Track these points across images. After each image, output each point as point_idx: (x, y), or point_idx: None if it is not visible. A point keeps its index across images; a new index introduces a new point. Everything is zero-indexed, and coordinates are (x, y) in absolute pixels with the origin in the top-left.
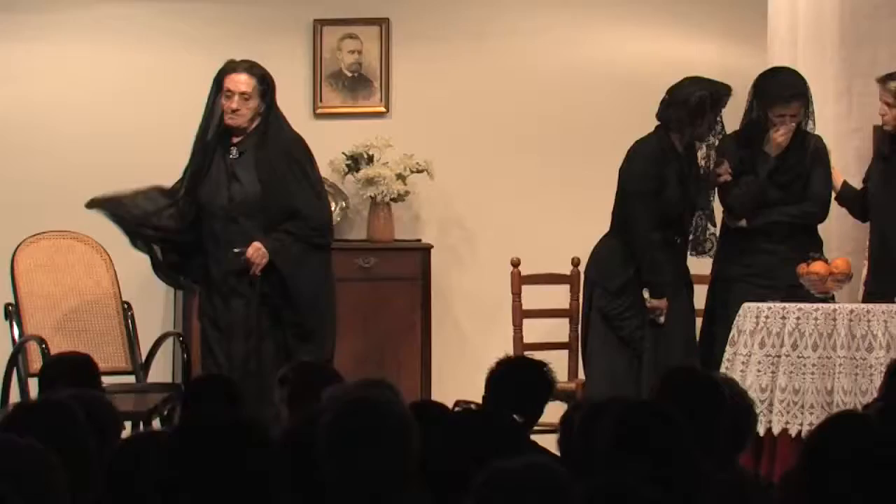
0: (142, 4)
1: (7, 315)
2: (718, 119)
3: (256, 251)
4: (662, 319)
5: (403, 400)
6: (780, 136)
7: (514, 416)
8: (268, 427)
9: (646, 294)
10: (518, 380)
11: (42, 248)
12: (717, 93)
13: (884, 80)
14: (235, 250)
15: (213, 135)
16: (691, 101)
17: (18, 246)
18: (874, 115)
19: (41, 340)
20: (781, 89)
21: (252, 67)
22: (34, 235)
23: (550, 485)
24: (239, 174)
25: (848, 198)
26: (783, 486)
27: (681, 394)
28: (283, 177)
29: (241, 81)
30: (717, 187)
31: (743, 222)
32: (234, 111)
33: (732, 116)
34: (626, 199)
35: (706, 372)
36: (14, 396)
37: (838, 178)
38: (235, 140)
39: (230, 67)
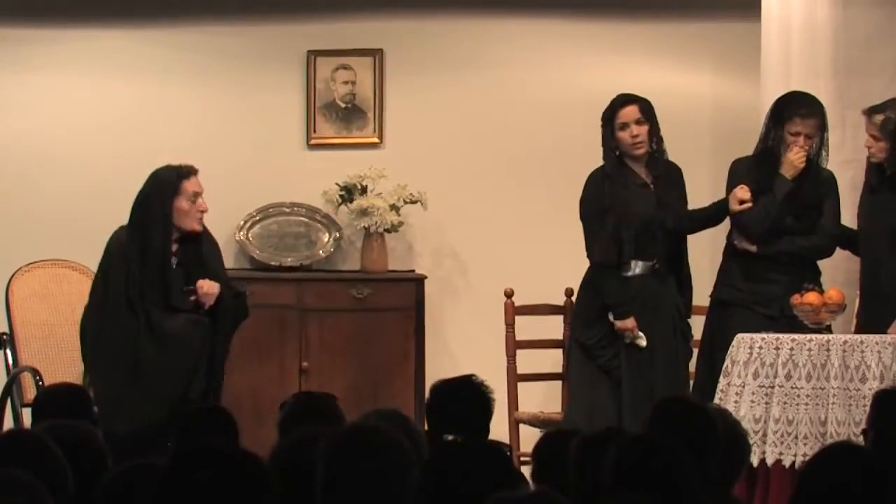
0: (136, 35)
1: (1, 344)
2: (615, 131)
3: (208, 284)
4: (641, 342)
5: (418, 428)
6: (794, 155)
7: (451, 436)
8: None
9: (611, 317)
10: (456, 397)
11: (37, 277)
12: (610, 107)
13: (868, 113)
14: (184, 289)
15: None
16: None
17: (13, 275)
18: None
19: (35, 372)
20: (799, 105)
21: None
22: (29, 264)
23: None
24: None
25: (846, 238)
26: None
27: (673, 424)
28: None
29: (199, 183)
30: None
31: (753, 248)
32: (203, 212)
33: (729, 145)
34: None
35: (698, 402)
36: (8, 425)
37: None
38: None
39: (186, 173)
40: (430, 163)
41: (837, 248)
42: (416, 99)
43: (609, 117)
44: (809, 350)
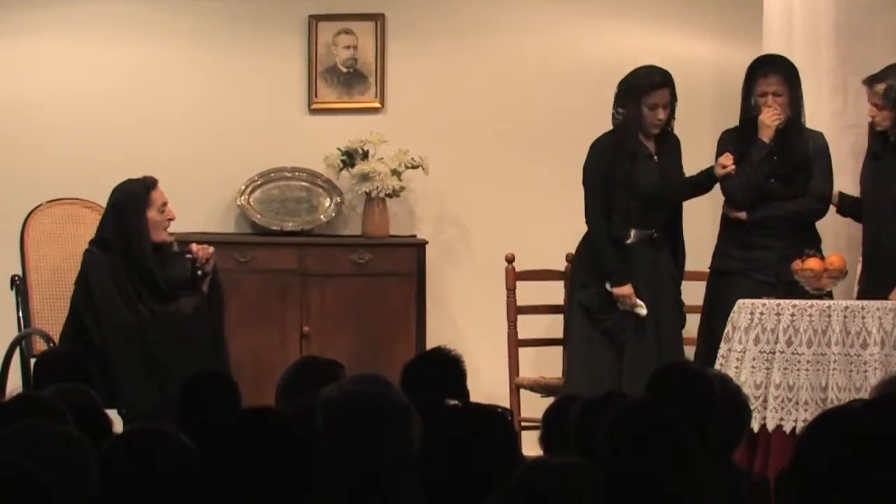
0: (136, 0)
1: (14, 287)
2: (642, 108)
3: (201, 247)
4: (641, 311)
5: (400, 393)
6: (765, 116)
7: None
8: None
9: (608, 286)
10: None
11: (52, 216)
12: (632, 79)
13: (869, 82)
14: (181, 252)
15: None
16: (618, 88)
17: (31, 213)
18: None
19: (47, 338)
20: (759, 65)
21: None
22: (49, 202)
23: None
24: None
25: (849, 207)
26: (777, 485)
27: (672, 390)
28: None
29: (163, 193)
30: (720, 179)
31: (742, 215)
32: (171, 220)
33: (731, 112)
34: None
35: (698, 367)
36: (14, 378)
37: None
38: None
39: (152, 183)
40: (431, 128)
41: (840, 216)
42: (418, 64)
43: (639, 94)
44: (810, 316)
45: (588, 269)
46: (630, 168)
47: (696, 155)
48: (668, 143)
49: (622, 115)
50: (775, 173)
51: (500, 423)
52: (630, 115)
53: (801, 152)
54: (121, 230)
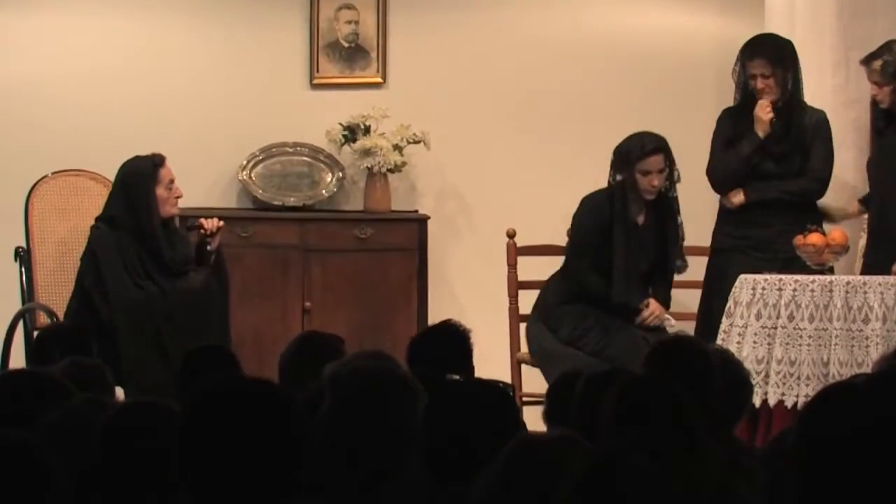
0: None
1: (18, 258)
2: (631, 174)
3: (209, 220)
4: (671, 321)
5: (404, 369)
6: (759, 110)
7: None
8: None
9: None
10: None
11: (58, 188)
12: (625, 145)
13: (866, 61)
14: (188, 226)
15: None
16: (613, 155)
17: (35, 185)
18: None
19: (51, 313)
20: (745, 49)
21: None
22: (55, 173)
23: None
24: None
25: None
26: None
27: (672, 365)
28: None
29: (171, 170)
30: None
31: (740, 198)
32: (179, 198)
33: (733, 87)
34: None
35: (697, 342)
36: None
37: (854, 207)
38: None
39: (160, 161)
40: (433, 103)
41: (842, 185)
42: (420, 39)
43: (633, 160)
44: (812, 291)
45: (556, 314)
46: (629, 230)
47: (698, 130)
48: (664, 212)
49: (617, 183)
50: (769, 153)
51: (503, 398)
52: (624, 181)
53: (799, 130)
54: (130, 207)
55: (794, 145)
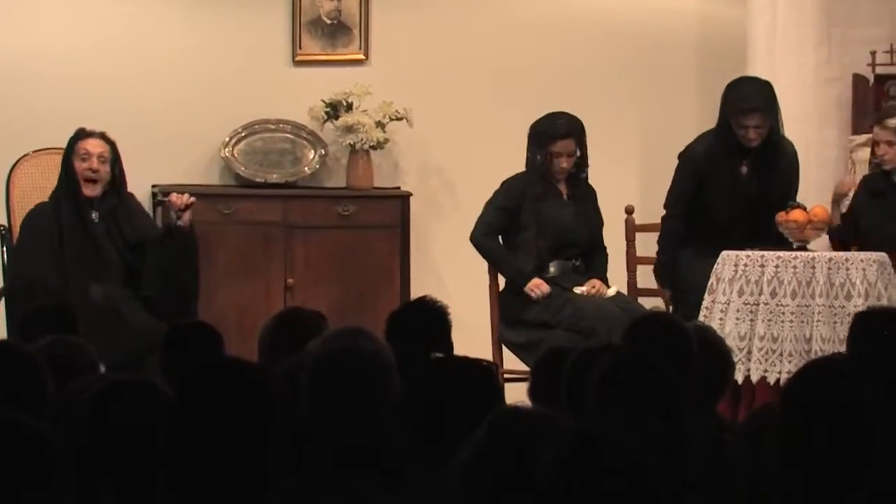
0: None
1: None
2: (543, 154)
3: (180, 195)
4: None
5: (384, 346)
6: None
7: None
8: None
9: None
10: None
11: (39, 166)
12: (538, 126)
13: (880, 120)
14: (162, 201)
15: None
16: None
17: (16, 163)
18: (853, 63)
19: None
20: (736, 101)
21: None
22: (35, 151)
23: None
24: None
25: (843, 232)
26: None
27: (649, 341)
28: None
29: (98, 143)
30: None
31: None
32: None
33: (715, 63)
34: None
35: (674, 318)
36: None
37: (848, 187)
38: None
39: (81, 134)
40: (415, 80)
41: (824, 162)
42: (402, 15)
43: (545, 141)
44: (794, 267)
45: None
46: (537, 207)
47: (680, 107)
48: (582, 190)
49: (531, 160)
50: (755, 180)
51: (485, 376)
52: (537, 159)
53: (783, 165)
54: (58, 181)
55: (778, 181)
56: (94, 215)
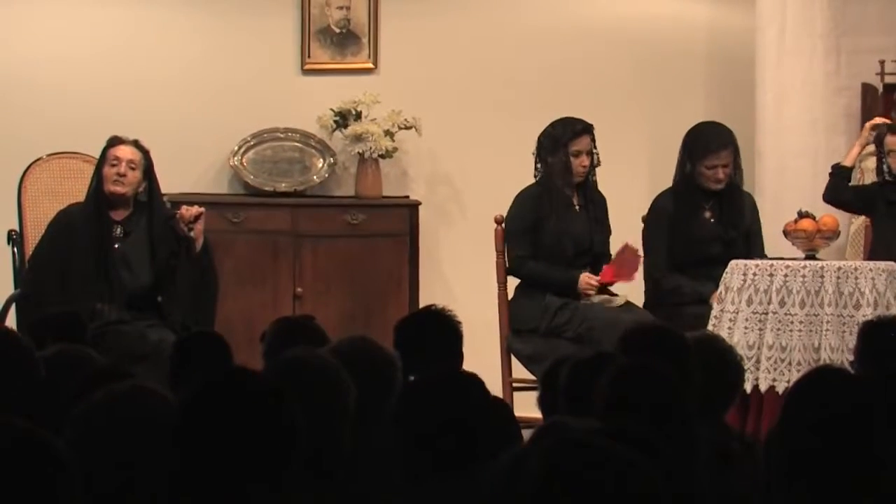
0: None
1: (11, 242)
2: (565, 155)
3: (189, 208)
4: (618, 301)
5: (390, 353)
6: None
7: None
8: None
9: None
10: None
11: (51, 171)
12: (552, 130)
13: (894, 128)
14: (174, 217)
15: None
16: (539, 142)
17: (29, 167)
18: (862, 72)
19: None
20: (704, 142)
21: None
22: (49, 155)
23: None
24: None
25: (842, 192)
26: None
27: (647, 350)
28: None
29: (129, 150)
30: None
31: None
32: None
33: (724, 71)
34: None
35: (672, 328)
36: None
37: (854, 154)
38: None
39: (114, 141)
40: (424, 88)
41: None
42: (411, 24)
43: (564, 142)
44: (803, 277)
45: (527, 314)
46: (551, 224)
47: (688, 115)
48: (592, 194)
49: (548, 166)
50: (721, 238)
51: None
52: (556, 163)
53: (742, 221)
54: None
55: (740, 230)
56: (118, 230)
